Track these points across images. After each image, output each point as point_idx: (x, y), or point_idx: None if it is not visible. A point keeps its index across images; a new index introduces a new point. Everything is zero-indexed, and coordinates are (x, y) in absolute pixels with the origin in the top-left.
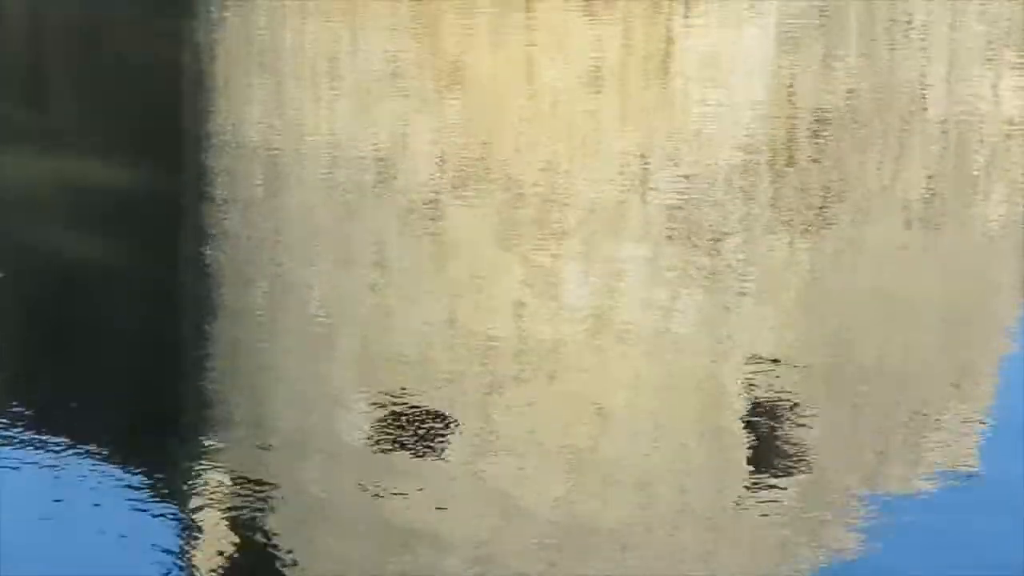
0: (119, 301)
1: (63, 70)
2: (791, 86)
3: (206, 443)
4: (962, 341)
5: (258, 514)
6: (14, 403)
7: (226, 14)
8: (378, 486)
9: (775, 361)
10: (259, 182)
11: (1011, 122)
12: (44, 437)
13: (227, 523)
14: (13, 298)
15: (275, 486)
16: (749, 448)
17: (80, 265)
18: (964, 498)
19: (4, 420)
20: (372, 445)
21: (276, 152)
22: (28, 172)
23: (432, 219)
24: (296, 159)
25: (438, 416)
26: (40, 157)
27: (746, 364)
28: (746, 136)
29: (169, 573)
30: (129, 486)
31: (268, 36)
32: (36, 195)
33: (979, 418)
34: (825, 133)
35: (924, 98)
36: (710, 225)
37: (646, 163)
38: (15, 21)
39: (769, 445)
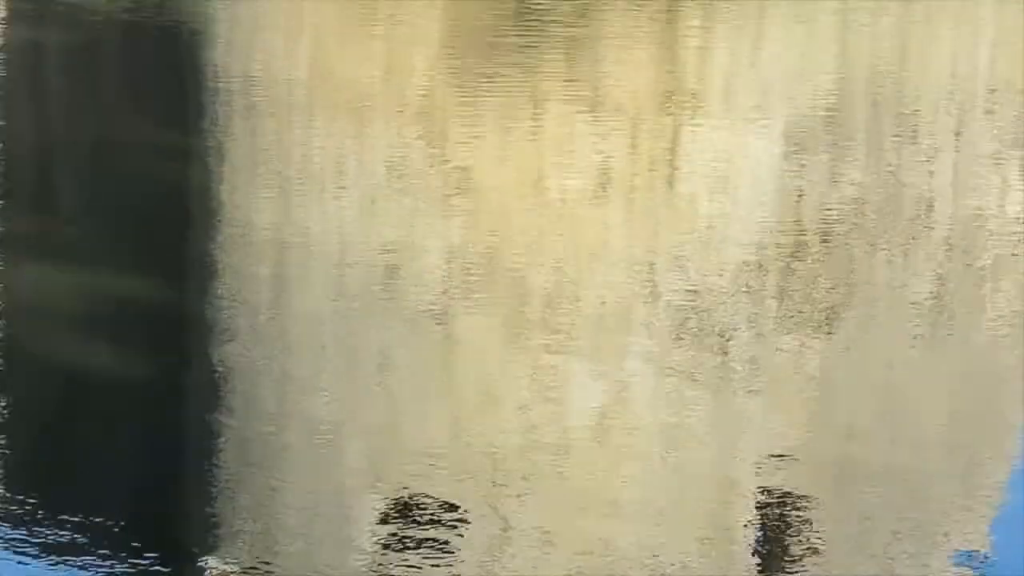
0: (126, 402)
1: (71, 184)
2: (798, 190)
3: (213, 541)
4: (971, 438)
5: None
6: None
7: (231, 122)
8: None
9: (784, 458)
10: (266, 285)
11: (1018, 225)
12: (49, 535)
13: None
14: (22, 403)
15: None
16: (759, 545)
17: (86, 370)
18: None
19: (7, 522)
20: (381, 546)
21: (283, 256)
22: (39, 283)
23: (439, 322)
24: (303, 263)
25: (447, 515)
26: (49, 268)
27: (756, 462)
28: (753, 240)
29: None
30: None
31: (275, 142)
32: (47, 304)
33: (990, 503)
34: (832, 236)
35: (931, 202)
36: (718, 326)
37: (653, 266)
38: (23, 135)
39: (779, 542)
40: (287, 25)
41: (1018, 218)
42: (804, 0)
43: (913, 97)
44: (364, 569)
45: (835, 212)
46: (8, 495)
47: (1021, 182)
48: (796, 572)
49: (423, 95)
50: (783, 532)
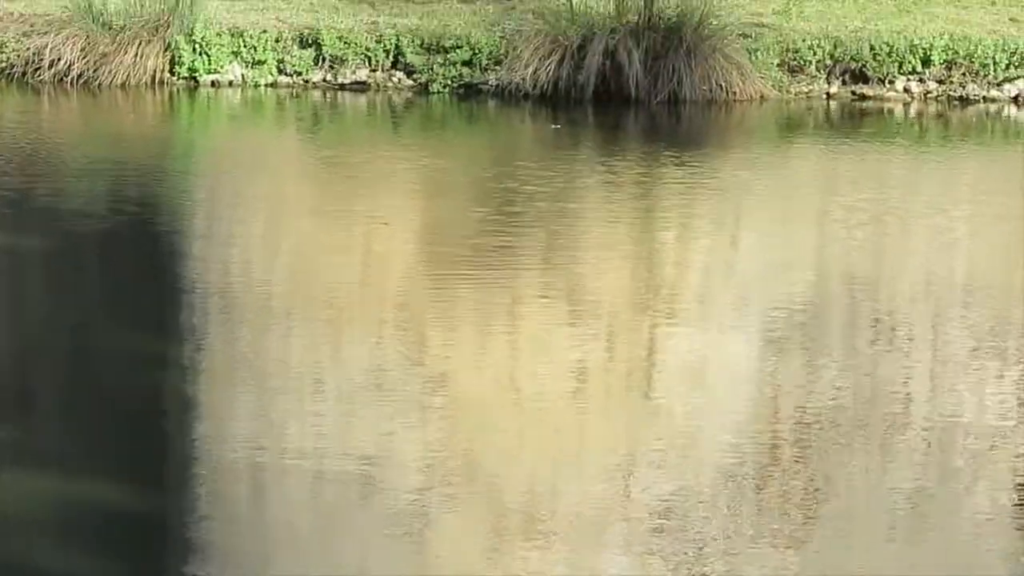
0: None
1: (47, 392)
2: (775, 390)
3: None
4: None
5: None
6: None
7: (208, 330)
8: None
9: None
10: (243, 496)
11: (994, 426)
12: None
13: None
14: None
15: None
16: None
17: None
18: None
19: None
20: None
21: (260, 464)
22: (13, 490)
23: (416, 530)
24: (279, 471)
25: None
26: (23, 475)
27: None
28: (730, 441)
29: None
30: None
31: (251, 348)
32: (22, 511)
33: None
34: (809, 437)
35: (908, 401)
36: (695, 533)
37: (630, 471)
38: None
39: None
40: (265, 228)
41: (995, 417)
42: (780, 200)
43: (889, 296)
44: None
45: (811, 412)
46: None
47: (998, 381)
48: None
49: (400, 299)
50: None
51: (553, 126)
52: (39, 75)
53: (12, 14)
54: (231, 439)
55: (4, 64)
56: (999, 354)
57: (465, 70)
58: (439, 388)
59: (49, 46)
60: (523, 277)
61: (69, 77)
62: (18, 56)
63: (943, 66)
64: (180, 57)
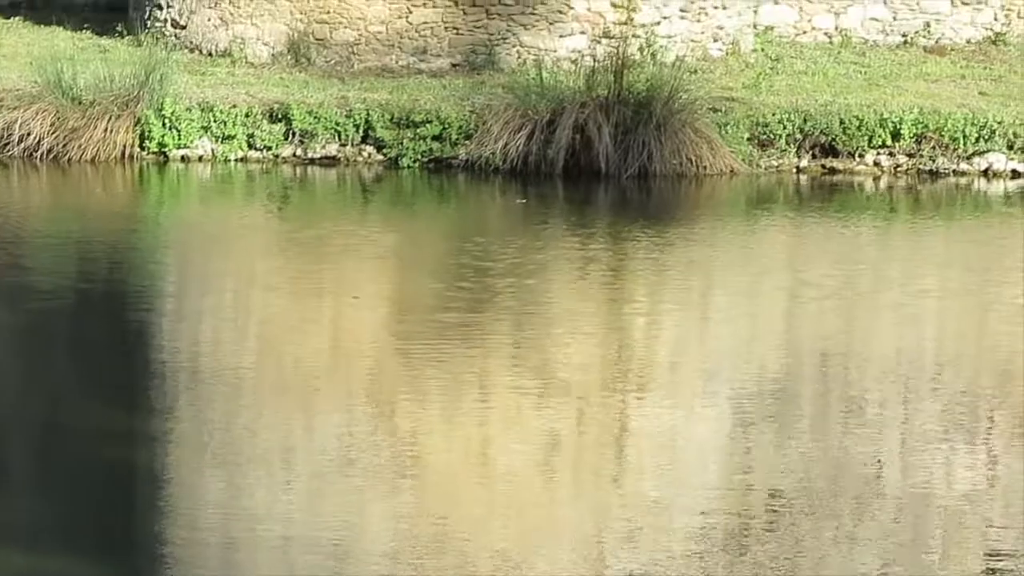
0: None
1: (16, 468)
2: (745, 465)
3: None
4: None
5: None
6: None
7: (178, 404)
8: None
9: None
10: (214, 566)
11: (964, 500)
12: None
13: None
14: None
15: None
16: None
17: None
18: None
19: None
20: None
21: (230, 544)
22: None
23: None
24: (250, 549)
25: None
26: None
27: None
28: (701, 517)
29: None
30: None
31: (222, 424)
32: None
33: None
34: (779, 511)
35: (878, 477)
36: None
37: (601, 544)
38: None
39: None
40: (235, 303)
41: (964, 493)
42: (750, 275)
43: (859, 373)
44: None
45: (782, 488)
46: None
47: (968, 457)
48: None
49: (370, 374)
50: None
51: (519, 201)
52: (8, 150)
53: None
54: (202, 510)
55: None
56: (968, 429)
57: (435, 145)
58: (410, 461)
59: (19, 121)
60: (492, 352)
61: (39, 152)
62: None
63: (913, 140)
64: (150, 132)
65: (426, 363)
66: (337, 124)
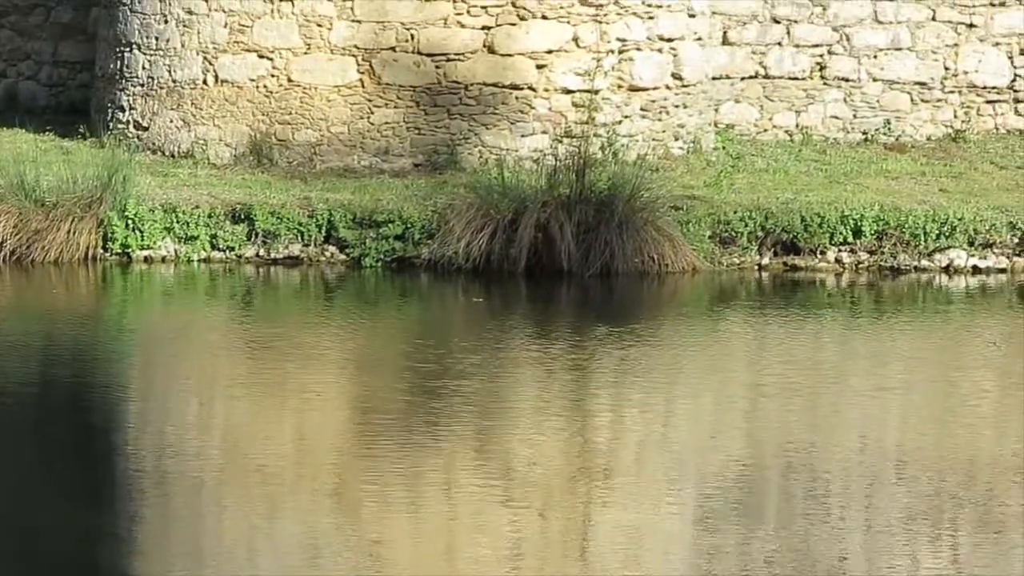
0: None
1: None
2: (710, 560)
3: None
4: None
5: None
6: None
7: (143, 500)
8: None
9: None
10: None
11: None
12: None
13: None
14: None
15: None
16: None
17: None
18: None
19: None
20: None
21: None
22: None
23: None
24: None
25: None
26: None
27: None
28: None
29: None
30: None
31: (186, 519)
32: None
33: None
34: None
35: (843, 571)
36: None
37: None
38: None
39: None
40: (198, 404)
41: None
42: (713, 373)
43: (823, 466)
44: None
45: None
46: None
47: (931, 552)
48: None
49: (334, 471)
50: None
51: (476, 300)
52: None
53: None
54: None
55: None
56: (932, 522)
57: (397, 244)
58: (375, 558)
59: None
60: (456, 452)
61: (2, 254)
62: None
63: (874, 237)
64: (113, 233)
65: (391, 459)
66: (300, 224)
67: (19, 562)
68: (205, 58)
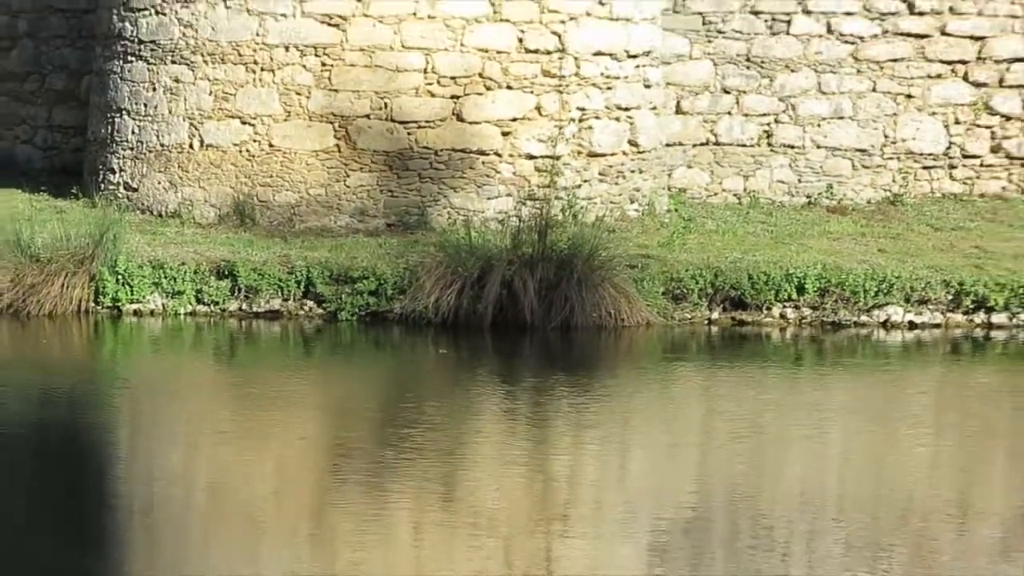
0: None
1: None
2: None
3: None
4: None
5: None
6: None
7: (130, 541)
8: None
9: None
10: None
11: None
12: None
13: None
14: None
15: None
16: None
17: None
18: None
19: None
20: None
21: None
22: None
23: None
24: None
25: None
26: None
27: None
28: None
29: None
30: None
31: (171, 559)
32: None
33: None
34: None
35: None
36: None
37: None
38: None
39: None
40: (184, 449)
41: None
42: (665, 421)
43: (769, 507)
44: None
45: None
46: None
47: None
48: None
49: (311, 514)
50: None
51: (440, 351)
52: None
53: None
54: None
55: None
56: (868, 560)
57: (371, 299)
58: None
59: None
60: (424, 494)
61: None
62: None
63: (816, 293)
64: (104, 288)
65: (365, 501)
66: (280, 280)
67: None
68: (191, 124)
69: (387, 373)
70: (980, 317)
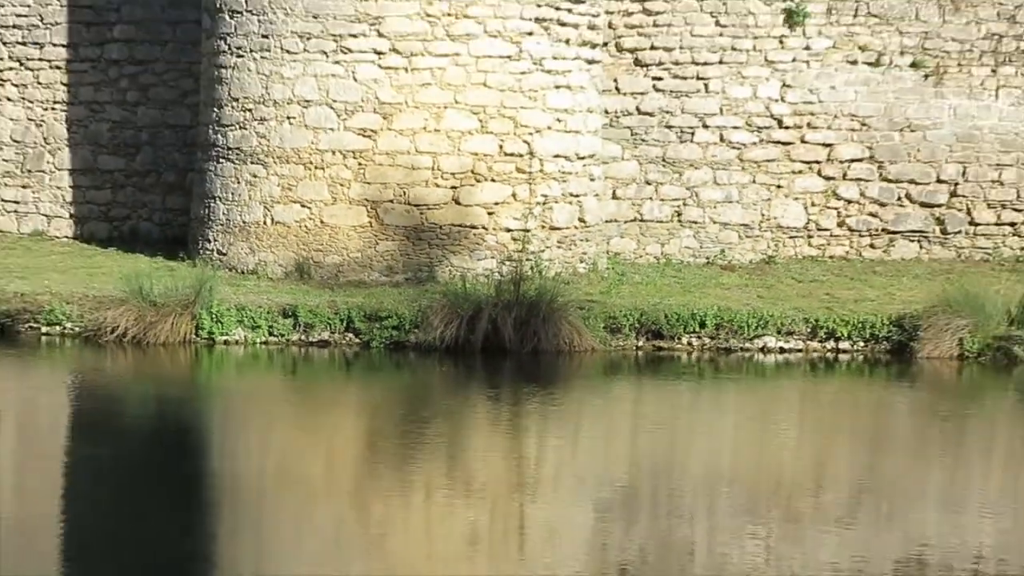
0: None
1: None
2: (602, 545)
3: None
4: None
5: None
6: None
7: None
8: None
9: None
10: None
11: (758, 566)
12: None
13: None
14: None
15: None
16: None
17: None
18: None
19: None
20: None
21: None
22: None
23: None
24: None
25: None
26: None
27: None
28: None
29: None
30: None
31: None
32: None
33: None
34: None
35: (692, 552)
36: None
37: None
38: None
39: None
40: (256, 438)
41: (756, 563)
42: (605, 419)
43: (679, 481)
44: None
45: (625, 558)
46: None
47: (751, 538)
48: None
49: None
50: None
51: (442, 369)
52: (104, 337)
53: (85, 295)
54: None
55: (79, 329)
56: (754, 519)
57: (395, 332)
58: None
59: (111, 317)
60: (427, 466)
61: (126, 338)
62: (85, 324)
63: (714, 327)
64: (202, 324)
65: (380, 470)
66: (328, 319)
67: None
68: (264, 207)
69: (407, 384)
70: (830, 344)
